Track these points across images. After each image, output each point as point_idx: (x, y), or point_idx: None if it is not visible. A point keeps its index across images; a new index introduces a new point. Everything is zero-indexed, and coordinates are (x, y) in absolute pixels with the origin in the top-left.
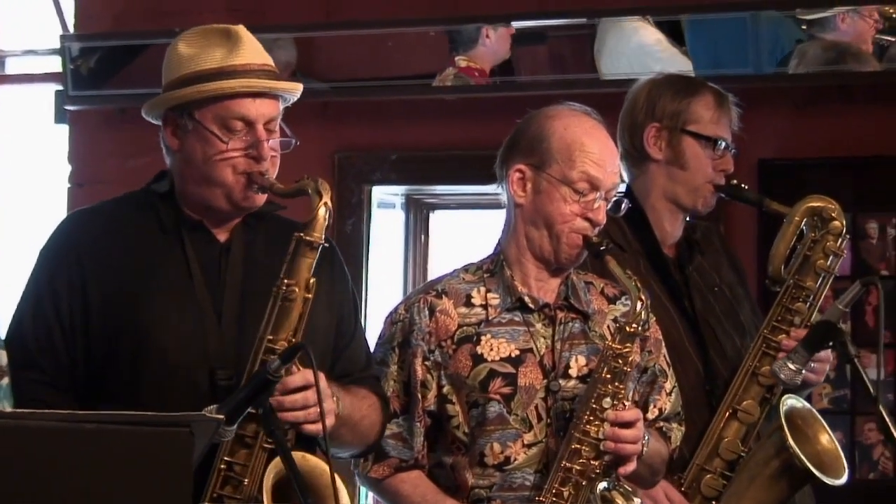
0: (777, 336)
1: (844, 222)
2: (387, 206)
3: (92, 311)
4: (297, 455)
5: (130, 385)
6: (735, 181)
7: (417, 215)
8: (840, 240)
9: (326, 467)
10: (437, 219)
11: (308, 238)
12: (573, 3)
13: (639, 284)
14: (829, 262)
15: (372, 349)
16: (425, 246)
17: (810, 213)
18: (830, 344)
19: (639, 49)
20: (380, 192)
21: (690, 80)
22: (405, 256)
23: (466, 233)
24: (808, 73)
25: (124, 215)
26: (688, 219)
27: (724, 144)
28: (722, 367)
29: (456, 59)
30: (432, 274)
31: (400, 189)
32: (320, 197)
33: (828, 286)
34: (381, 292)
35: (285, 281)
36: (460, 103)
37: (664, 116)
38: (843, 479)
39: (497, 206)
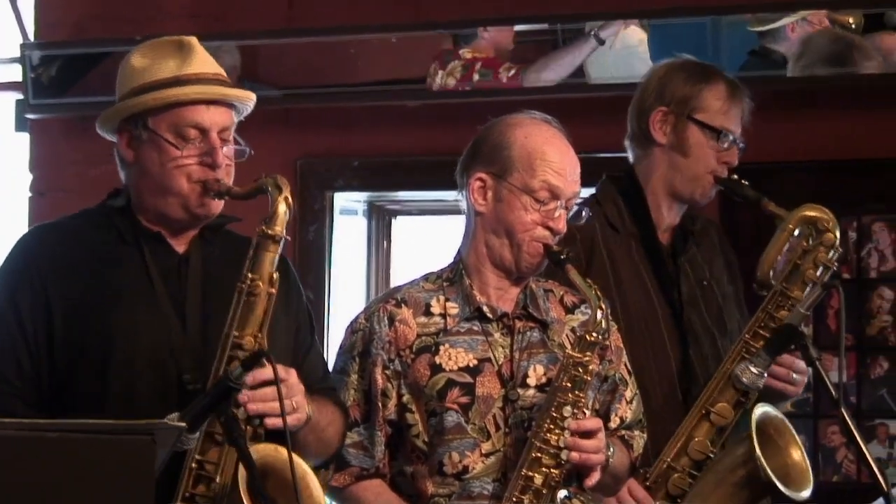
0: (758, 342)
1: (838, 235)
2: (349, 213)
3: (55, 324)
4: (270, 447)
5: (97, 394)
6: (736, 176)
7: (380, 221)
8: (832, 252)
9: (298, 460)
10: (399, 225)
11: (270, 231)
12: (535, 9)
13: (599, 293)
14: (818, 273)
15: (333, 356)
16: (388, 252)
17: (805, 222)
18: (793, 347)
19: (624, 51)
20: (342, 199)
21: (706, 68)
22: (367, 263)
23: (429, 239)
24: (769, 76)
25: (82, 229)
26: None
27: (730, 137)
28: (698, 364)
29: (460, 51)
30: (395, 280)
31: (362, 195)
32: (280, 192)
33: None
34: (344, 298)
35: (249, 276)
36: (422, 110)
37: (673, 101)
38: (807, 494)
39: (459, 212)
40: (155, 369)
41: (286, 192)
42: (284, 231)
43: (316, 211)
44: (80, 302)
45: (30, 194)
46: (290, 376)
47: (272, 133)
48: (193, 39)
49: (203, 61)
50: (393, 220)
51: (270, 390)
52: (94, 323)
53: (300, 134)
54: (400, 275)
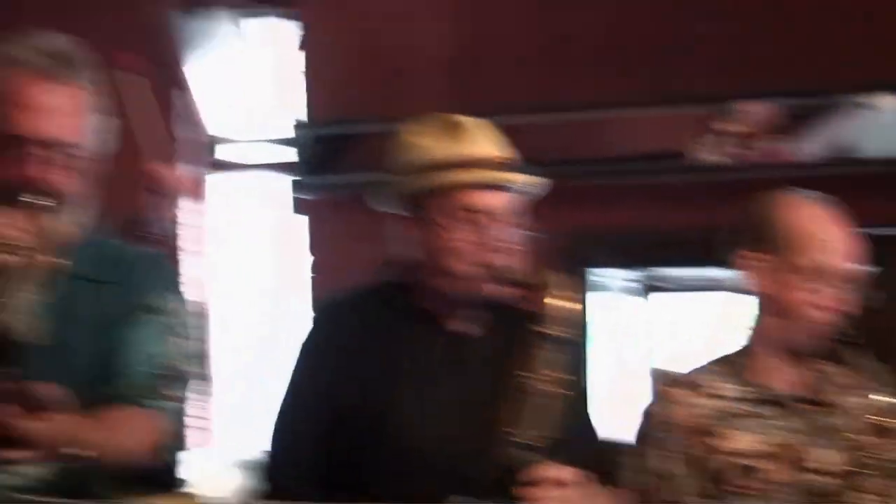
0: None
1: None
2: (609, 289)
3: (341, 403)
4: None
5: (377, 474)
6: None
7: (639, 298)
8: None
9: None
10: (659, 301)
11: (545, 331)
12: (793, 82)
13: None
14: None
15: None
16: (648, 328)
17: None
18: None
19: (891, 119)
20: (601, 275)
21: None
22: (627, 339)
23: (689, 315)
24: None
25: (364, 306)
26: None
27: None
28: None
29: (719, 125)
30: (656, 358)
31: (622, 272)
32: (556, 289)
33: None
34: (603, 374)
35: (527, 373)
36: (681, 185)
37: None
38: None
39: (720, 288)
40: (432, 452)
41: (562, 290)
42: (562, 329)
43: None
44: (362, 381)
45: (311, 275)
46: (574, 479)
47: (532, 209)
48: (470, 119)
49: (479, 142)
50: (653, 297)
51: (554, 492)
52: (374, 403)
53: (558, 210)
54: (661, 351)
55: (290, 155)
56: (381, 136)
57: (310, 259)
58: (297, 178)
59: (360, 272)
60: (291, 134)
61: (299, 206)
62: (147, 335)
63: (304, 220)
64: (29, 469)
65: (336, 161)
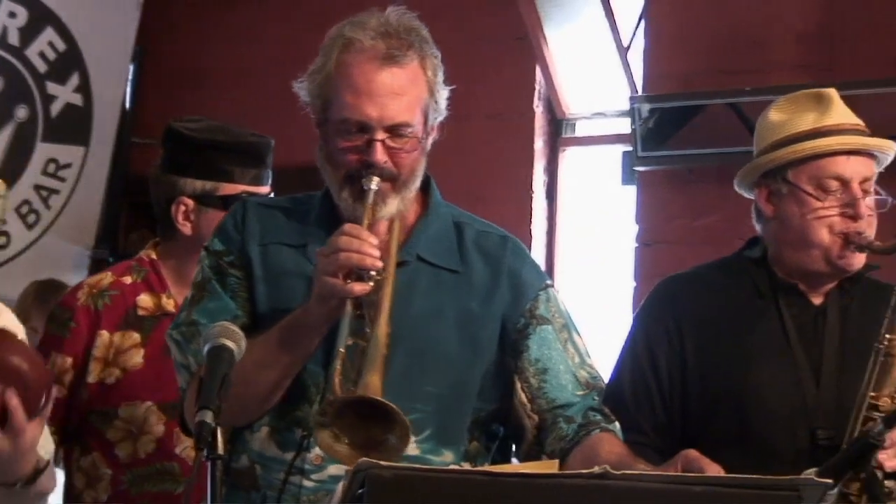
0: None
1: None
2: None
3: (689, 372)
4: None
5: (731, 445)
6: None
7: None
8: None
9: None
10: None
11: None
12: None
13: None
14: None
15: None
16: None
17: None
18: None
19: None
20: None
21: None
22: None
23: None
24: None
25: (717, 281)
26: None
27: None
28: None
29: None
30: None
31: None
32: None
33: None
34: None
35: (887, 336)
36: None
37: None
38: None
39: None
40: (788, 424)
41: None
42: None
43: None
44: (714, 352)
45: (635, 245)
46: None
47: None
48: (832, 91)
49: (841, 112)
50: None
51: None
52: (728, 374)
53: None
54: None
55: (625, 127)
56: (722, 107)
57: (635, 229)
58: (629, 149)
59: (693, 245)
60: (626, 107)
61: (630, 178)
62: (551, 350)
63: (630, 192)
64: None
65: (673, 133)
